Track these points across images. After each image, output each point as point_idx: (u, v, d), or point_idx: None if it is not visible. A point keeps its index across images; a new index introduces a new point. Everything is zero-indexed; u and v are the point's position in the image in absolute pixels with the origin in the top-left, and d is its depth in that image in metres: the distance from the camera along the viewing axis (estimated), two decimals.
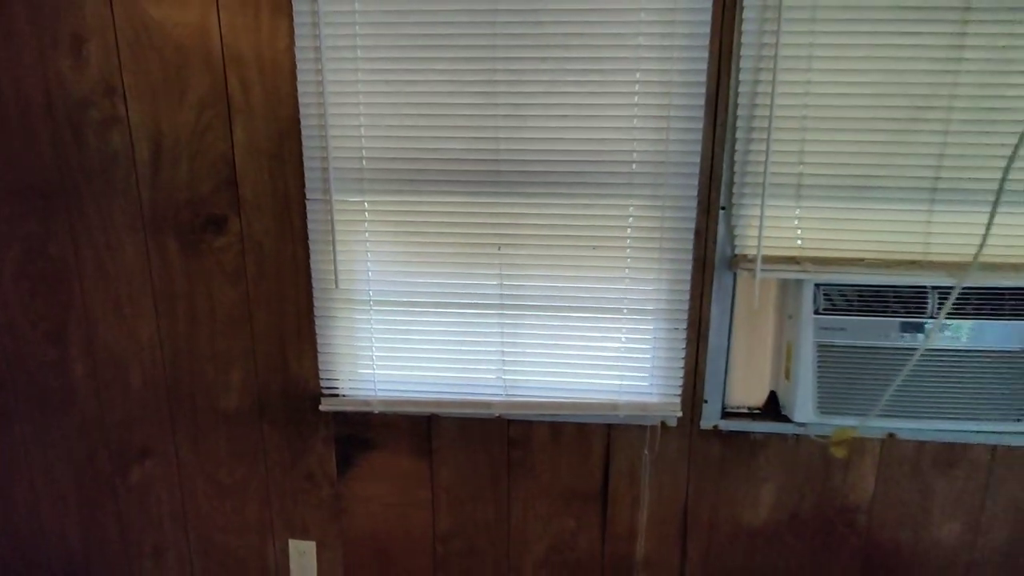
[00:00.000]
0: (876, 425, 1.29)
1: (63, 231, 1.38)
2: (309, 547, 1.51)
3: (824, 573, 1.40)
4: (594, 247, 1.28)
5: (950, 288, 1.20)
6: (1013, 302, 1.19)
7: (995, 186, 1.16)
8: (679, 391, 1.33)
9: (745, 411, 1.37)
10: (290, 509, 1.50)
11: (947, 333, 1.22)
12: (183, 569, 1.57)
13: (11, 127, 1.34)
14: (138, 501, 1.53)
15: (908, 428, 1.29)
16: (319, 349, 1.39)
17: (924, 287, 1.21)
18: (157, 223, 1.36)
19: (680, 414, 1.33)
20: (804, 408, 1.27)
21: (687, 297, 1.29)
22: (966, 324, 1.20)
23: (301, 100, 1.26)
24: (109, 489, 1.53)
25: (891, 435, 1.31)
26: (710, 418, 1.35)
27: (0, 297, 1.43)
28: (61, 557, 1.60)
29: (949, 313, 1.21)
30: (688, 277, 1.28)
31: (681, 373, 1.32)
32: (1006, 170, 1.03)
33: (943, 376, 1.23)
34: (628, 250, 1.27)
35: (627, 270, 1.28)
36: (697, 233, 1.26)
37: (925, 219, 1.21)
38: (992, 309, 1.21)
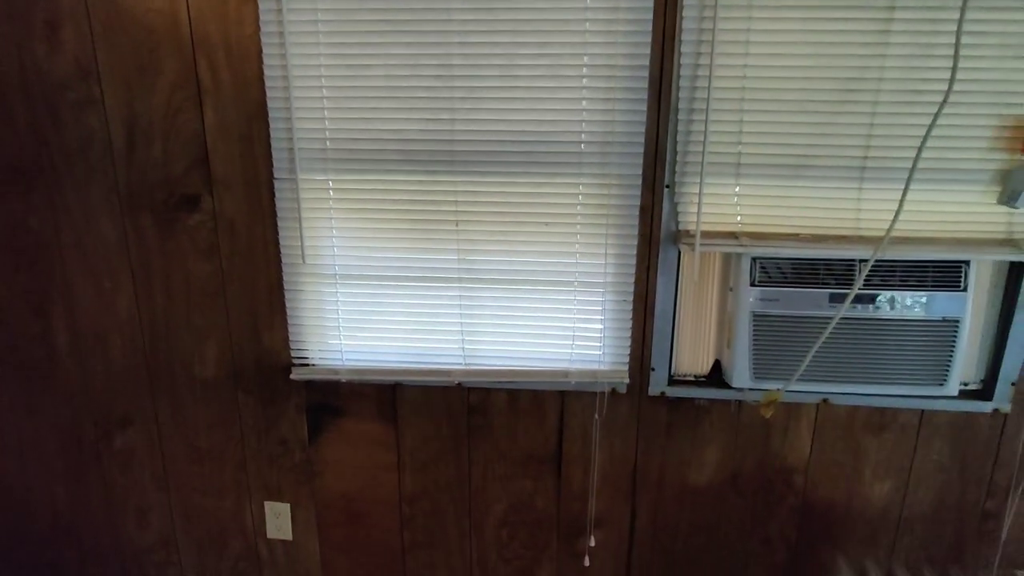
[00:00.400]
0: (811, 391, 1.38)
1: (44, 208, 1.45)
2: (284, 509, 1.60)
3: (764, 529, 1.50)
4: (546, 223, 1.35)
5: (879, 261, 1.28)
6: (935, 274, 1.27)
7: (921, 164, 1.24)
8: (627, 360, 1.42)
9: (691, 378, 1.46)
10: (265, 473, 1.58)
11: (876, 304, 1.30)
12: (165, 529, 1.66)
13: None
14: (121, 466, 1.62)
15: (841, 393, 1.37)
16: (289, 321, 1.46)
17: (853, 260, 1.29)
18: (133, 201, 1.43)
19: (628, 381, 1.42)
20: (741, 374, 1.35)
21: (633, 271, 1.36)
22: (891, 295, 1.28)
23: (267, 83, 1.32)
24: (94, 455, 1.62)
25: (825, 400, 1.40)
26: (657, 385, 1.43)
27: None
28: (49, 519, 1.69)
29: (877, 284, 1.29)
30: (634, 252, 1.35)
31: (629, 343, 1.41)
32: (920, 148, 1.10)
33: (872, 344, 1.32)
34: (578, 226, 1.35)
35: (577, 245, 1.36)
36: (643, 210, 1.34)
37: (855, 196, 1.29)
38: (917, 281, 1.29)
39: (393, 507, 1.58)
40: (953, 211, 1.27)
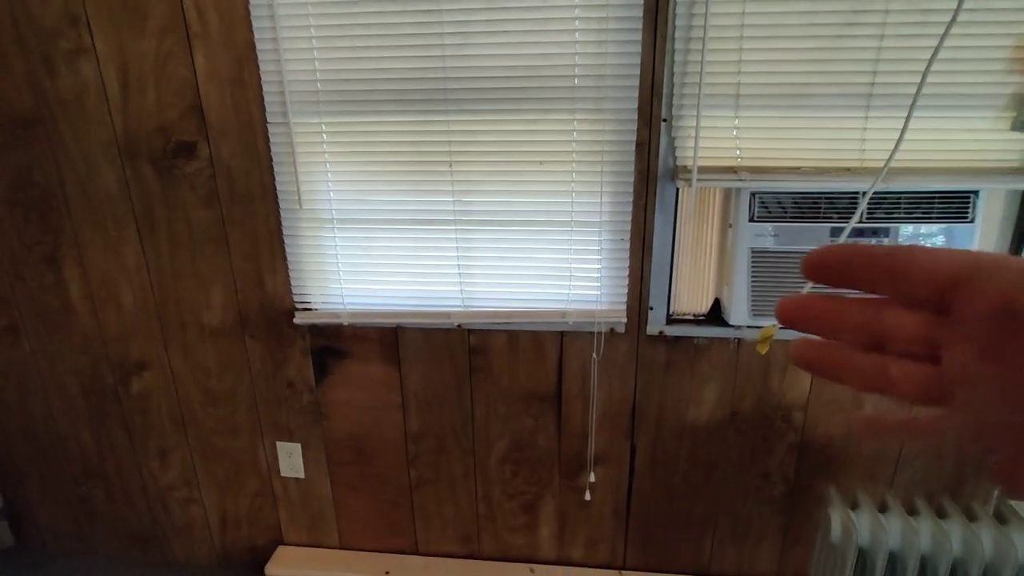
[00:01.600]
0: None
1: (47, 160, 1.47)
2: (295, 448, 1.66)
3: (763, 465, 1.52)
4: (540, 162, 1.33)
5: (881, 193, 1.24)
6: (942, 205, 1.24)
7: (928, 90, 1.18)
8: (625, 299, 1.41)
9: (690, 318, 1.46)
10: (275, 414, 1.64)
11: (880, 238, 1.27)
12: (186, 468, 1.74)
13: None
14: (140, 409, 1.69)
15: None
16: (290, 267, 1.48)
17: (856, 193, 1.25)
18: (132, 150, 1.44)
19: (625, 321, 1.42)
20: (739, 311, 1.34)
21: (630, 209, 1.35)
22: (895, 227, 1.25)
23: (254, 24, 1.30)
24: (114, 398, 1.69)
25: None
26: (656, 324, 1.43)
27: None
28: (77, 461, 1.78)
29: (881, 218, 1.26)
30: (631, 189, 1.33)
31: (626, 283, 1.40)
32: (925, 72, 1.05)
33: None
34: (573, 164, 1.33)
35: (573, 184, 1.34)
36: (639, 145, 1.31)
37: (860, 125, 1.24)
38: (923, 213, 1.25)
39: (399, 446, 1.63)
40: (962, 139, 1.22)
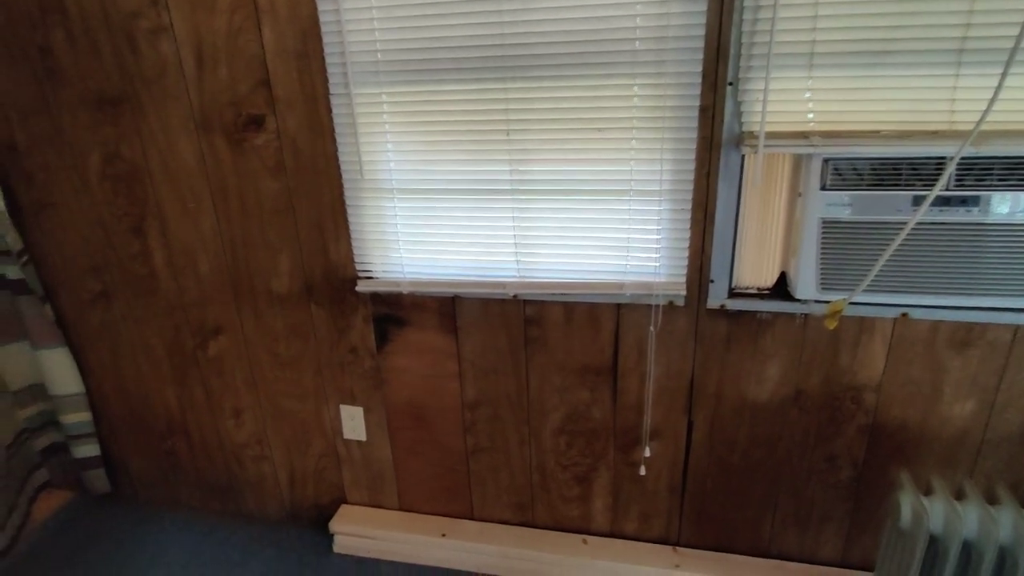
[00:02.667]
0: (888, 303, 1.29)
1: (132, 135, 1.57)
2: (357, 412, 1.73)
3: (829, 446, 1.45)
4: (599, 129, 1.30)
5: (972, 158, 1.14)
6: None
7: None
8: (685, 272, 1.37)
9: (753, 291, 1.40)
10: (339, 378, 1.71)
11: (969, 206, 1.17)
12: (258, 428, 1.84)
13: (80, 43, 1.50)
14: (217, 371, 1.80)
15: (923, 306, 1.27)
16: (352, 236, 1.53)
17: (944, 158, 1.16)
18: (206, 124, 1.51)
19: (684, 294, 1.38)
20: (806, 285, 1.28)
21: (692, 177, 1.30)
22: (986, 196, 1.15)
23: None
24: (193, 360, 1.80)
25: (904, 315, 1.30)
26: (717, 297, 1.39)
27: (90, 197, 1.66)
28: (163, 418, 1.92)
29: (971, 185, 1.16)
30: (693, 157, 1.28)
31: (686, 254, 1.36)
32: None
33: (960, 250, 1.20)
34: (634, 131, 1.29)
35: (632, 151, 1.31)
36: (703, 110, 1.25)
37: (950, 84, 1.14)
38: (1019, 179, 1.14)
39: (456, 413, 1.66)
40: None
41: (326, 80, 1.40)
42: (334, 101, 1.41)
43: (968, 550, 1.08)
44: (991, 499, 1.10)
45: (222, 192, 1.57)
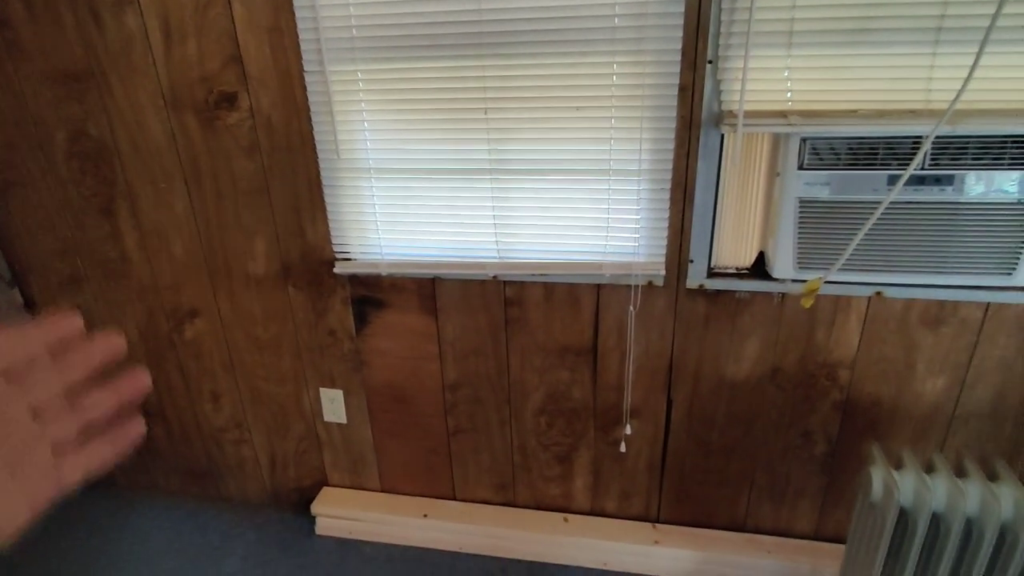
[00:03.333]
0: (863, 281, 1.30)
1: (99, 112, 1.52)
2: (337, 394, 1.72)
3: (804, 423, 1.48)
4: (578, 108, 1.29)
5: (947, 138, 1.15)
6: (1015, 151, 1.14)
7: (1004, 22, 1.07)
8: (664, 252, 1.38)
9: (732, 271, 1.41)
10: (318, 361, 1.69)
11: (943, 185, 1.18)
12: (236, 411, 1.83)
13: (41, 17, 1.44)
14: (194, 354, 1.77)
15: (897, 284, 1.29)
16: (329, 217, 1.50)
17: (920, 137, 1.17)
18: (176, 101, 1.47)
19: (663, 274, 1.38)
20: (784, 264, 1.29)
21: (671, 157, 1.29)
22: (960, 175, 1.16)
23: None
24: (169, 344, 1.77)
25: (879, 293, 1.32)
26: (696, 277, 1.39)
27: (57, 176, 1.61)
28: (140, 402, 1.89)
29: (946, 165, 1.17)
30: (672, 136, 1.28)
31: (666, 234, 1.36)
32: (1000, 4, 0.95)
33: (934, 230, 1.21)
34: (612, 109, 1.28)
35: (612, 130, 1.30)
36: (683, 89, 1.25)
37: (927, 63, 1.15)
38: (992, 159, 1.15)
39: (436, 394, 1.66)
40: None
41: (300, 57, 1.36)
42: (308, 78, 1.38)
43: (937, 522, 1.10)
44: (960, 473, 1.13)
45: (195, 172, 1.53)
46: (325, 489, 1.87)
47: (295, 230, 1.54)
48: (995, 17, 0.95)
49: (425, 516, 1.75)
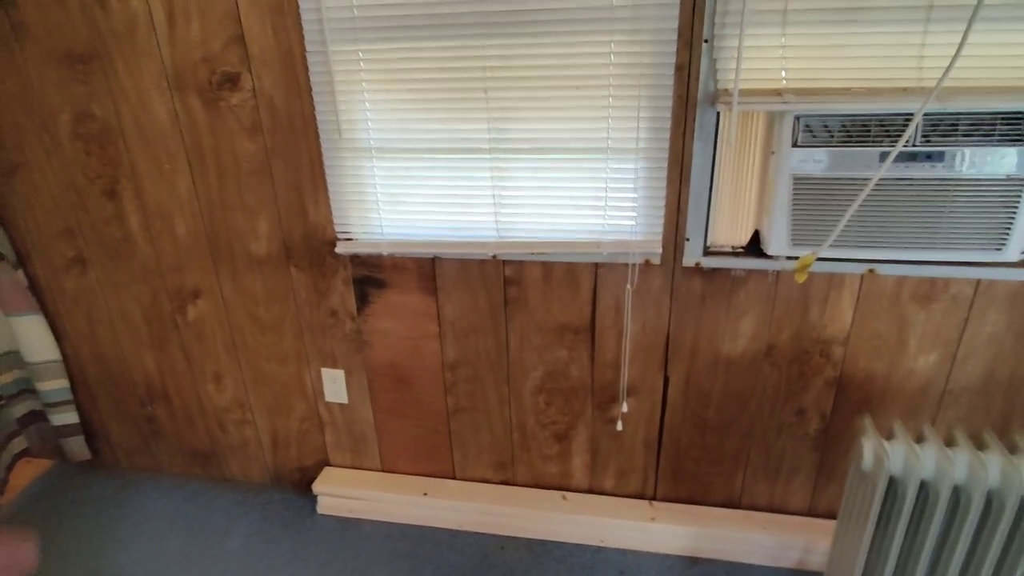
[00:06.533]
0: (857, 258, 1.32)
1: (103, 93, 1.54)
2: (339, 374, 1.74)
3: (799, 398, 1.50)
4: (576, 87, 1.31)
5: (938, 115, 1.17)
6: (1004, 127, 1.16)
7: (998, 1, 1.10)
8: (661, 230, 1.40)
9: (728, 249, 1.43)
10: (320, 341, 1.72)
11: (934, 161, 1.20)
12: (239, 392, 1.85)
13: None
14: (196, 335, 1.79)
15: (890, 261, 1.32)
16: (331, 197, 1.52)
17: (911, 114, 1.19)
18: (180, 82, 1.49)
19: (660, 252, 1.41)
20: (779, 241, 1.31)
21: (668, 136, 1.32)
22: (951, 151, 1.19)
23: None
24: (172, 325, 1.79)
25: (871, 270, 1.34)
26: (692, 255, 1.41)
27: (62, 157, 1.63)
28: (143, 383, 1.91)
29: (937, 141, 1.19)
30: (669, 115, 1.30)
31: (663, 213, 1.38)
32: None
33: (927, 206, 1.24)
34: (610, 88, 1.30)
35: (609, 109, 1.32)
36: (679, 68, 1.27)
37: (919, 41, 1.17)
38: (983, 135, 1.18)
39: (436, 374, 1.68)
40: None
41: (302, 37, 1.38)
42: (311, 59, 1.40)
43: (926, 490, 1.13)
44: (949, 443, 1.15)
45: (198, 153, 1.55)
46: (326, 469, 1.89)
47: (297, 210, 1.56)
48: None
49: (425, 495, 1.77)
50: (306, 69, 1.41)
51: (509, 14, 1.27)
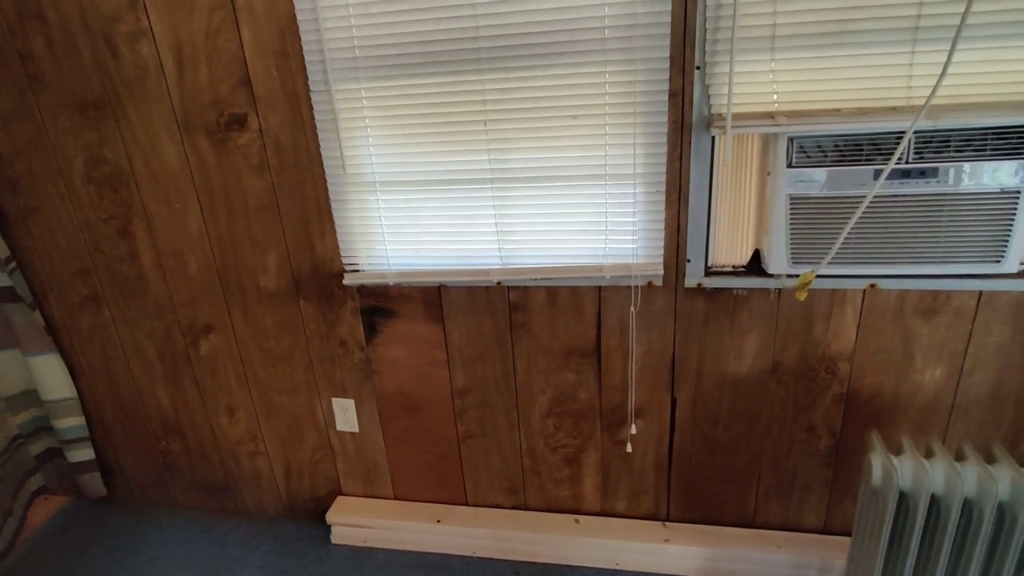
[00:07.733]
0: (858, 274, 1.34)
1: (115, 138, 1.59)
2: (349, 404, 1.76)
3: (808, 416, 1.51)
4: (573, 116, 1.34)
5: (929, 132, 1.19)
6: (996, 142, 1.18)
7: (976, 19, 1.12)
8: (662, 252, 1.42)
9: (729, 269, 1.45)
10: (330, 372, 1.74)
11: (928, 178, 1.22)
12: (251, 424, 1.87)
13: (59, 48, 1.52)
14: (209, 369, 1.82)
15: (891, 276, 1.33)
16: (337, 230, 1.56)
17: (902, 132, 1.21)
18: (189, 125, 1.54)
19: (662, 274, 1.43)
20: (779, 260, 1.33)
21: (664, 160, 1.34)
22: (947, 167, 1.20)
23: None
24: (185, 359, 1.82)
25: (873, 285, 1.35)
26: (694, 276, 1.43)
27: (76, 200, 1.68)
28: (157, 419, 1.94)
29: (929, 158, 1.21)
30: (664, 140, 1.33)
31: (662, 235, 1.40)
32: (968, 2, 1.00)
33: (924, 221, 1.25)
34: (607, 117, 1.33)
35: (606, 137, 1.35)
36: (673, 95, 1.30)
37: (907, 61, 1.19)
38: (974, 151, 1.19)
39: (446, 401, 1.70)
40: (1018, 70, 1.15)
41: (306, 77, 1.43)
42: (315, 98, 1.44)
43: (936, 504, 1.13)
44: (958, 457, 1.15)
45: (207, 192, 1.60)
46: (340, 498, 1.90)
47: (305, 244, 1.60)
48: (964, 15, 1.00)
49: (438, 522, 1.78)
50: (310, 108, 1.45)
51: (505, 49, 1.31)
